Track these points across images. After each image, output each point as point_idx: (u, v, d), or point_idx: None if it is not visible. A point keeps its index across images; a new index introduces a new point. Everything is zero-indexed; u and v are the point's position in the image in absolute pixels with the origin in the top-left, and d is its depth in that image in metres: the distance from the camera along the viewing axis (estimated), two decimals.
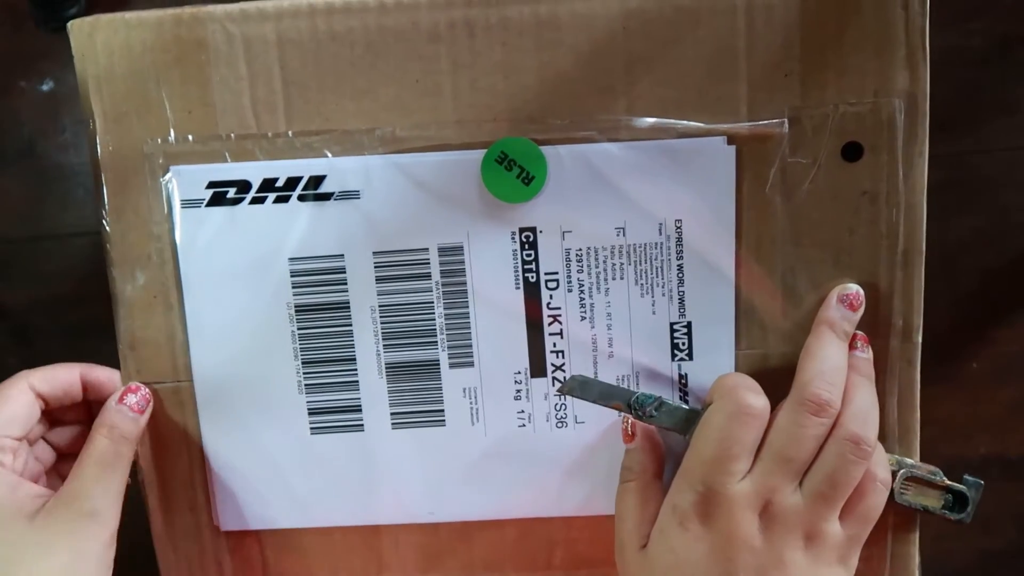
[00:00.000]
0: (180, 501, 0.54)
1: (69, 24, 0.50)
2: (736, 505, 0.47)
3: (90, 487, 0.49)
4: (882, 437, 0.51)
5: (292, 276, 0.51)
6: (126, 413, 0.51)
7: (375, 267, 0.51)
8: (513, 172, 0.50)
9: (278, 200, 0.51)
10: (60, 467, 0.54)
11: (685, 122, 0.49)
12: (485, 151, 0.50)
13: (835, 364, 0.49)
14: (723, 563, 0.47)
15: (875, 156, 0.49)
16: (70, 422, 0.53)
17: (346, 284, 0.52)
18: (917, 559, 0.53)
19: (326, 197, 0.51)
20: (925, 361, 0.51)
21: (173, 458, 0.54)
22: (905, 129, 0.49)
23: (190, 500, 0.54)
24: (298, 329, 0.52)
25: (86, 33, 0.50)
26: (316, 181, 0.51)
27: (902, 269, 0.50)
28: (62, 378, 0.52)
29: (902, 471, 0.51)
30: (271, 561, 0.55)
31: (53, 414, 0.52)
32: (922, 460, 0.52)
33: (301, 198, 0.51)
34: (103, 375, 0.53)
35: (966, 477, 0.51)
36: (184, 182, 0.51)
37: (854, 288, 0.50)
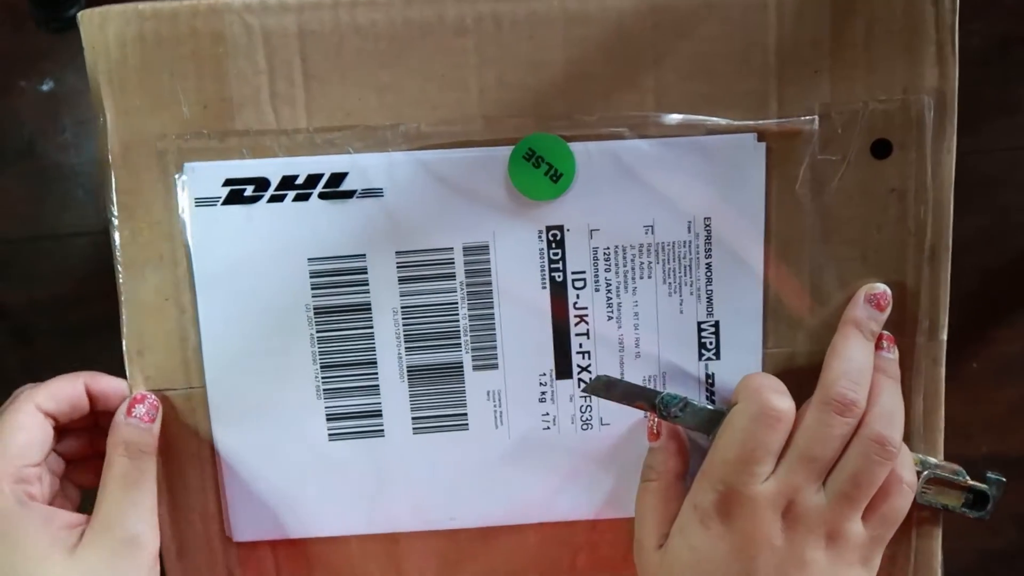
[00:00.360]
0: (191, 511, 0.52)
1: (79, 15, 0.48)
2: (758, 505, 0.46)
3: (122, 511, 0.47)
4: (907, 435, 0.51)
5: (311, 277, 0.50)
6: (137, 425, 0.49)
7: (398, 267, 0.50)
8: (541, 169, 0.49)
9: (298, 198, 0.49)
10: (71, 474, 0.51)
11: (714, 118, 0.49)
12: (512, 148, 0.49)
13: (861, 364, 0.49)
14: (744, 562, 0.46)
15: (904, 153, 0.49)
16: (76, 429, 0.51)
17: (368, 285, 0.50)
18: (940, 556, 0.53)
19: (348, 195, 0.49)
20: None
21: (184, 467, 0.52)
22: (934, 126, 0.49)
23: (201, 509, 0.52)
24: (317, 332, 0.51)
25: (97, 24, 0.48)
26: (337, 178, 0.49)
27: (929, 266, 0.50)
28: (67, 393, 0.49)
29: (926, 472, 0.51)
30: (284, 571, 0.54)
31: (62, 427, 0.50)
32: None
33: (322, 196, 0.49)
34: (108, 385, 0.51)
35: (988, 475, 0.51)
36: (199, 179, 0.49)
37: (881, 288, 0.50)
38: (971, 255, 0.66)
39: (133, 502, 0.47)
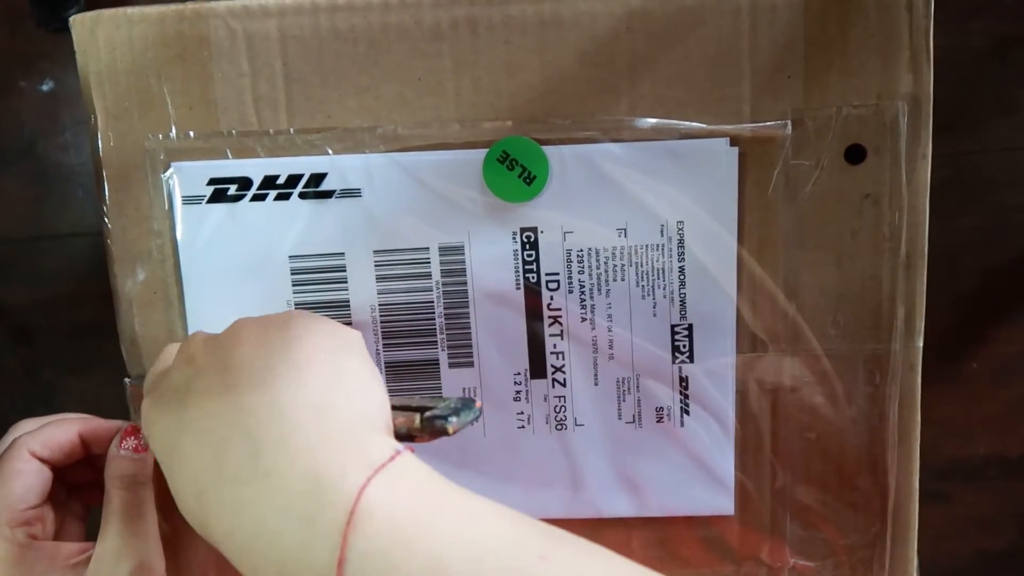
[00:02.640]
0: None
1: (71, 19, 0.50)
2: None
3: (128, 542, 0.47)
4: (882, 442, 0.51)
5: (292, 274, 0.51)
6: (131, 457, 0.50)
7: (375, 265, 0.51)
8: (515, 172, 0.49)
9: (279, 197, 0.51)
10: (75, 496, 0.53)
11: (687, 123, 0.49)
12: (487, 150, 0.50)
13: None
14: None
15: (878, 159, 0.49)
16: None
17: (346, 282, 0.52)
18: (916, 561, 0.53)
19: (327, 195, 0.51)
20: (925, 361, 0.51)
21: None
22: (908, 132, 0.49)
23: None
24: None
25: (88, 28, 0.50)
26: (317, 179, 0.50)
27: (904, 272, 0.50)
28: (59, 441, 0.50)
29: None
30: None
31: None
32: (922, 460, 0.52)
33: (302, 196, 0.51)
34: (102, 428, 0.51)
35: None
36: (184, 178, 0.51)
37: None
38: (971, 255, 0.66)
39: (137, 532, 0.47)
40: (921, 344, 0.51)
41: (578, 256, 0.51)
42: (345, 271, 0.51)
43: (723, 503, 0.53)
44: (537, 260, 0.51)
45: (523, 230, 0.51)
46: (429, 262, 0.51)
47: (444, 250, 0.51)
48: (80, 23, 0.50)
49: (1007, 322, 0.67)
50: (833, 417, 0.52)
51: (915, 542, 0.53)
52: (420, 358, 0.52)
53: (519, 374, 0.52)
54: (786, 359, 0.51)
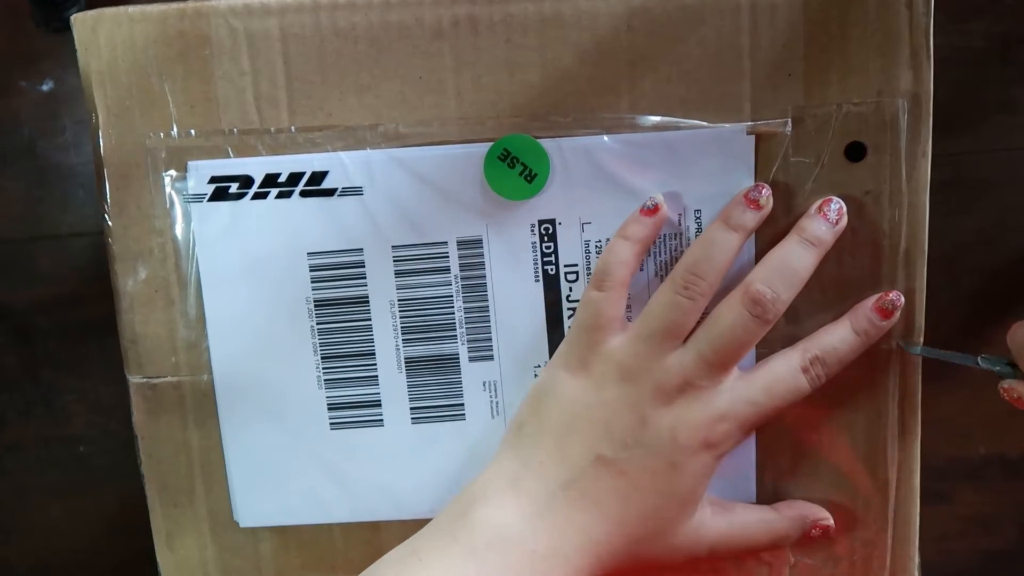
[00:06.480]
0: (180, 496, 0.54)
1: (72, 18, 0.50)
2: None
3: None
4: (884, 438, 0.51)
5: (311, 271, 0.51)
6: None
7: (394, 261, 0.51)
8: (516, 169, 0.49)
9: (280, 196, 0.51)
10: None
11: (688, 120, 0.49)
12: (488, 148, 0.50)
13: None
14: None
15: (878, 156, 0.49)
16: None
17: (365, 278, 0.52)
18: (917, 560, 0.53)
19: (329, 193, 0.51)
20: (925, 360, 0.51)
21: (172, 454, 0.54)
22: (908, 129, 0.49)
23: (189, 495, 0.54)
24: (317, 324, 0.52)
25: (89, 27, 0.50)
26: (319, 177, 0.50)
27: (904, 269, 0.50)
28: None
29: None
30: (268, 557, 0.55)
31: None
32: (922, 460, 0.52)
33: (303, 194, 0.51)
34: None
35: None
36: (187, 177, 0.51)
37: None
38: (971, 255, 0.66)
39: None
40: (921, 341, 0.51)
41: (597, 247, 0.51)
42: (364, 267, 0.52)
43: (746, 494, 0.53)
44: (555, 252, 0.51)
45: (541, 222, 0.51)
46: (448, 256, 0.51)
47: (462, 244, 0.51)
48: (81, 22, 0.50)
49: (1007, 322, 0.67)
50: (833, 416, 0.52)
51: (916, 541, 0.53)
52: (440, 353, 0.52)
53: (539, 367, 0.52)
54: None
